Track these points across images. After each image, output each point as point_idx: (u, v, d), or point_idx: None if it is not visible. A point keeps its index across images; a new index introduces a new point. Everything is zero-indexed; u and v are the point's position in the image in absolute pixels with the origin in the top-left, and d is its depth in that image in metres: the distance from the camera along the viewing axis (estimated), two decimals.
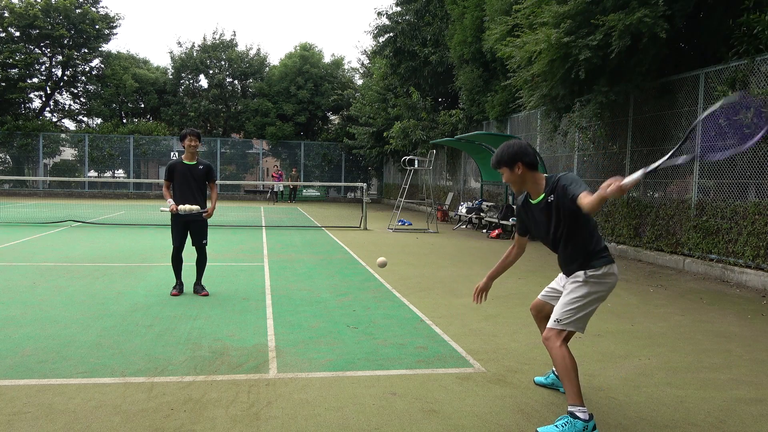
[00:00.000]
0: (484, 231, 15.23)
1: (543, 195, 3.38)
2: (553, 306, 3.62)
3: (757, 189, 8.22)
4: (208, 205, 6.67)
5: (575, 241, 3.40)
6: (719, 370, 4.42)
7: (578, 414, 3.15)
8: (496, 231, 14.16)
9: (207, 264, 6.87)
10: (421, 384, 3.94)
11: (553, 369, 3.85)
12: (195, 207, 6.41)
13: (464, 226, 16.70)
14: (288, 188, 30.89)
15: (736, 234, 8.33)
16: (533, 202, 3.48)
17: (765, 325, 5.91)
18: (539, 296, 3.86)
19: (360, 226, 15.73)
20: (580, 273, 3.40)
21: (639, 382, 4.11)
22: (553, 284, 3.80)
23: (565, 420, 3.18)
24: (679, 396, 3.86)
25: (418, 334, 5.19)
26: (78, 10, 30.39)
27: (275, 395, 3.69)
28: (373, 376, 4.07)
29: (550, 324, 3.43)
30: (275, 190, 30.35)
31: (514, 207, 3.83)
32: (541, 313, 3.82)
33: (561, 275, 3.70)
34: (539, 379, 4.03)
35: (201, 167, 6.57)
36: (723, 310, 6.55)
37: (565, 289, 3.49)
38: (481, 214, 15.87)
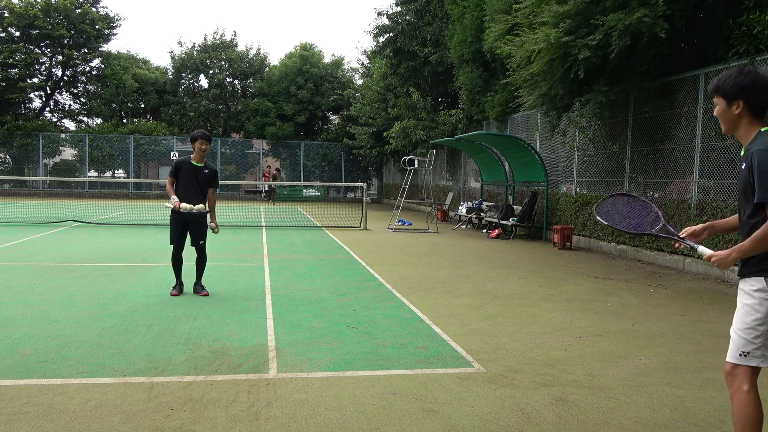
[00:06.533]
0: (484, 231, 15.23)
1: (744, 152, 2.61)
2: None
3: None
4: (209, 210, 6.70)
5: (756, 221, 2.51)
6: (719, 370, 4.41)
7: None
8: (496, 231, 14.15)
9: (207, 264, 6.88)
10: (421, 384, 3.94)
11: None
12: (199, 206, 6.42)
13: (464, 226, 16.70)
14: (286, 188, 30.71)
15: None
16: (742, 153, 2.67)
17: None
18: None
19: (360, 226, 15.73)
20: (760, 281, 2.49)
21: (639, 382, 4.11)
22: None
23: None
24: (679, 396, 3.86)
25: (418, 334, 5.19)
26: (78, 10, 30.41)
27: (275, 395, 3.69)
28: (373, 376, 4.07)
29: (730, 358, 2.58)
30: (267, 189, 30.26)
31: None
32: None
33: None
34: None
35: (207, 171, 6.60)
36: (723, 310, 6.55)
37: (739, 308, 2.60)
38: (481, 214, 15.87)
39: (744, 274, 2.57)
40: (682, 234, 2.89)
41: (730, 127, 2.67)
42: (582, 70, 9.15)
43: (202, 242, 6.68)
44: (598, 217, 3.37)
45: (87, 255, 9.54)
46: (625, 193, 3.11)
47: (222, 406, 3.50)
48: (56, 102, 33.77)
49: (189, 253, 6.71)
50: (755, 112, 2.57)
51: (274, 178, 30.74)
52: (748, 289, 2.54)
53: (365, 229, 15.48)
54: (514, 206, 14.80)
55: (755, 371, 2.54)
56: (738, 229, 2.77)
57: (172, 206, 6.44)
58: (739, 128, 2.63)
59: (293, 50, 35.43)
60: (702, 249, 2.75)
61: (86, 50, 31.79)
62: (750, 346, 2.51)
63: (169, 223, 6.66)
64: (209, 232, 6.74)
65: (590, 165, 12.51)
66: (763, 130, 2.58)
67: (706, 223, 2.90)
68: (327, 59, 35.76)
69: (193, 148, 6.54)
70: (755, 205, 2.48)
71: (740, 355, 2.53)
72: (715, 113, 2.72)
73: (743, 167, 2.57)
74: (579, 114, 11.05)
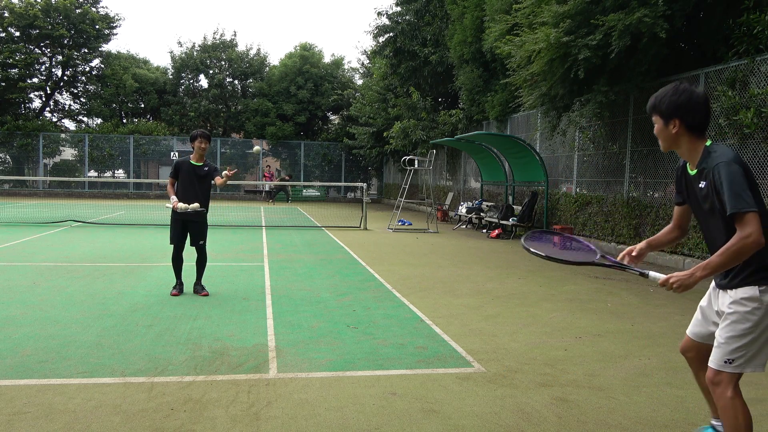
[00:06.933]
0: (484, 231, 15.23)
1: (696, 170, 2.65)
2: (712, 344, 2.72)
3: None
4: (208, 206, 6.70)
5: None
6: None
7: None
8: (496, 231, 14.16)
9: (207, 264, 6.88)
10: (421, 384, 3.94)
11: (712, 421, 3.01)
12: (194, 205, 6.44)
13: (464, 226, 16.70)
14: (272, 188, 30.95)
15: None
16: (691, 172, 2.71)
17: None
18: (690, 335, 2.91)
19: (360, 226, 15.73)
20: (753, 290, 2.51)
21: (639, 382, 4.11)
22: (705, 305, 2.85)
23: None
24: (679, 396, 3.86)
25: (418, 334, 5.19)
26: (78, 10, 30.41)
27: (275, 395, 3.69)
28: (373, 376, 4.07)
29: (716, 366, 2.60)
30: (267, 189, 30.35)
31: (676, 169, 2.96)
32: (698, 354, 2.92)
33: (710, 294, 2.82)
34: None
35: (206, 168, 6.62)
36: None
37: (726, 311, 2.62)
38: (481, 214, 15.87)
39: (734, 285, 2.58)
40: (621, 259, 2.89)
41: (669, 144, 2.68)
42: (582, 70, 9.15)
43: (202, 242, 6.69)
44: (530, 249, 3.06)
45: (87, 255, 9.54)
46: (551, 231, 2.98)
47: (222, 406, 3.50)
48: (56, 102, 33.78)
49: (189, 253, 6.71)
50: (693, 130, 2.59)
51: (284, 180, 30.93)
52: (738, 298, 2.56)
53: (365, 229, 15.48)
54: (514, 206, 14.80)
55: (738, 377, 2.58)
56: (675, 239, 2.96)
57: (171, 206, 6.49)
58: (680, 146, 2.66)
59: (293, 50, 35.43)
60: (654, 274, 2.62)
61: (86, 50, 31.78)
62: (736, 353, 2.55)
63: (169, 223, 6.68)
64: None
65: (590, 165, 12.51)
66: (708, 144, 2.61)
67: (644, 241, 2.93)
68: (327, 59, 35.77)
69: (193, 148, 6.56)
70: (728, 218, 2.48)
71: (725, 362, 2.57)
72: (654, 132, 2.73)
73: (701, 185, 2.60)
74: (579, 114, 11.05)
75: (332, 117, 37.16)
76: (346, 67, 36.42)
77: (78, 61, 31.85)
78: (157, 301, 6.26)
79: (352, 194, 33.89)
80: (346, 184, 26.14)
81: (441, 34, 20.27)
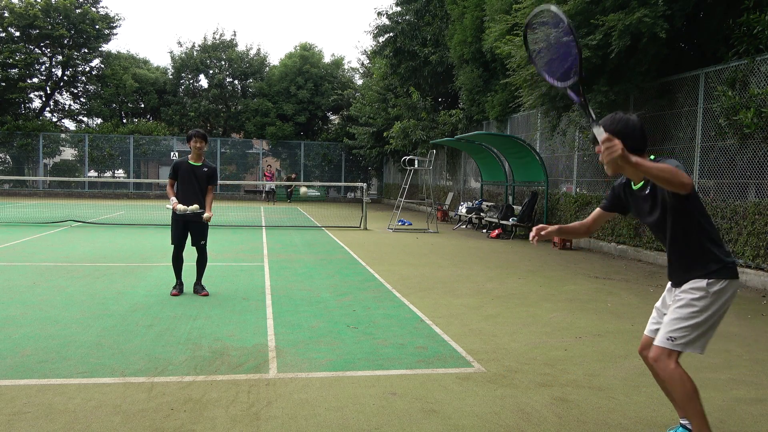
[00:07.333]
0: (484, 231, 15.23)
1: (643, 182, 2.92)
2: None
3: (757, 189, 8.21)
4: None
5: (688, 239, 2.87)
6: (719, 370, 4.42)
7: None
8: (496, 231, 14.15)
9: (207, 264, 6.88)
10: (421, 384, 3.94)
11: (681, 422, 3.17)
12: (194, 206, 6.44)
13: (464, 226, 16.70)
14: (285, 189, 31.26)
15: (736, 234, 8.33)
16: (634, 187, 3.00)
17: (765, 325, 5.91)
18: (647, 333, 3.16)
19: (360, 226, 15.73)
20: (702, 282, 2.84)
21: (639, 382, 4.11)
22: (658, 306, 3.16)
23: None
24: None
25: (418, 334, 5.19)
26: (78, 10, 30.40)
27: (275, 395, 3.69)
28: (373, 376, 4.07)
29: (659, 342, 2.88)
30: (267, 189, 30.43)
31: (615, 184, 3.16)
32: None
33: (665, 296, 3.12)
34: None
35: (205, 169, 6.61)
36: None
37: (676, 300, 2.92)
38: (481, 214, 15.87)
39: (687, 279, 2.89)
40: (534, 234, 3.13)
41: (615, 168, 2.72)
42: (582, 70, 9.15)
43: (203, 242, 6.69)
44: (528, 38, 3.00)
45: (87, 255, 9.54)
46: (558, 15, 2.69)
47: (222, 406, 3.50)
48: (56, 102, 33.77)
49: (189, 253, 6.71)
50: (635, 152, 2.69)
51: (290, 179, 31.03)
52: (689, 288, 2.87)
53: (365, 229, 15.48)
54: (514, 206, 14.80)
55: (678, 354, 2.84)
56: (582, 235, 3.25)
57: (171, 207, 6.49)
58: (626, 168, 2.72)
59: (293, 50, 35.43)
60: (599, 130, 2.53)
61: (86, 50, 31.78)
62: (678, 333, 2.83)
63: (169, 224, 6.68)
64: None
65: (590, 165, 12.51)
66: (652, 158, 2.84)
67: (557, 226, 3.18)
68: (327, 59, 35.77)
69: (190, 148, 6.55)
70: (679, 210, 2.78)
71: (668, 339, 2.84)
72: (600, 160, 2.77)
73: (646, 192, 2.89)
74: (579, 114, 11.05)
75: (332, 117, 37.16)
76: (346, 67, 36.45)
77: (78, 61, 31.84)
78: (157, 301, 6.26)
79: (352, 194, 33.89)
80: (346, 184, 26.14)
81: (441, 34, 20.27)
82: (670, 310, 2.91)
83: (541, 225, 3.16)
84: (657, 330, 3.05)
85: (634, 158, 2.46)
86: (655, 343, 2.91)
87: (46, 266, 8.34)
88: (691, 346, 2.83)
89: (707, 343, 2.88)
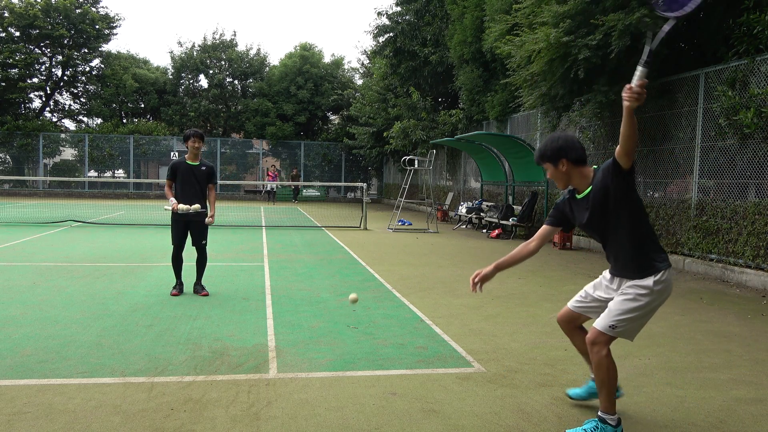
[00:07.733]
0: (484, 231, 15.23)
1: (590, 188, 3.13)
2: (589, 318, 3.40)
3: (757, 189, 8.21)
4: (208, 206, 6.69)
5: (632, 236, 3.08)
6: (719, 370, 4.42)
7: (609, 420, 3.13)
8: (496, 231, 14.16)
9: (207, 264, 6.88)
10: (421, 384, 3.94)
11: (591, 376, 3.54)
12: (195, 206, 6.44)
13: (464, 226, 16.70)
14: (289, 188, 31.32)
15: (736, 234, 8.33)
16: (578, 197, 3.20)
17: (765, 325, 5.91)
18: (570, 306, 3.48)
19: (360, 226, 15.73)
20: (649, 281, 3.06)
21: (639, 382, 4.11)
22: (589, 290, 3.42)
23: (595, 424, 3.16)
24: (679, 396, 3.86)
25: (418, 334, 5.19)
26: (78, 10, 30.40)
27: (275, 395, 3.69)
28: (373, 376, 4.07)
29: (600, 327, 3.12)
30: (268, 189, 30.46)
31: (558, 201, 3.42)
32: (573, 324, 3.51)
33: (602, 279, 3.37)
34: (576, 392, 3.67)
35: (203, 168, 6.61)
36: (723, 310, 6.55)
37: (623, 293, 3.15)
38: (481, 214, 15.87)
39: (635, 276, 3.12)
40: (476, 282, 3.37)
41: (565, 182, 3.21)
42: (582, 70, 9.15)
43: (203, 242, 6.69)
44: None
45: (87, 255, 9.54)
46: None
47: (222, 406, 3.50)
48: (56, 102, 33.78)
49: (189, 253, 6.71)
50: (577, 163, 3.13)
51: (294, 179, 31.05)
52: (637, 284, 3.10)
53: (365, 229, 15.48)
54: (514, 206, 14.80)
55: (612, 340, 3.13)
56: (525, 259, 3.36)
57: (170, 208, 6.48)
58: (573, 178, 3.17)
59: (293, 50, 35.43)
60: (641, 71, 2.73)
61: (86, 50, 31.78)
62: (620, 323, 3.10)
63: (169, 224, 6.67)
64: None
65: (590, 165, 12.51)
66: (594, 167, 3.16)
67: (492, 265, 3.36)
68: (327, 59, 35.76)
69: (187, 148, 6.55)
70: (628, 218, 3.03)
71: (609, 327, 3.10)
72: (547, 177, 3.19)
73: (592, 194, 3.07)
74: (579, 114, 11.06)
75: (332, 117, 37.16)
76: (346, 67, 36.45)
77: (78, 61, 31.84)
78: (157, 301, 6.26)
79: (352, 194, 33.89)
80: (346, 184, 26.15)
81: (441, 34, 20.27)
82: (616, 301, 3.15)
83: (475, 272, 3.39)
84: (581, 308, 3.42)
85: (635, 105, 2.75)
86: (596, 326, 3.15)
87: (46, 266, 8.34)
88: (627, 335, 3.17)
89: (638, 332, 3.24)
